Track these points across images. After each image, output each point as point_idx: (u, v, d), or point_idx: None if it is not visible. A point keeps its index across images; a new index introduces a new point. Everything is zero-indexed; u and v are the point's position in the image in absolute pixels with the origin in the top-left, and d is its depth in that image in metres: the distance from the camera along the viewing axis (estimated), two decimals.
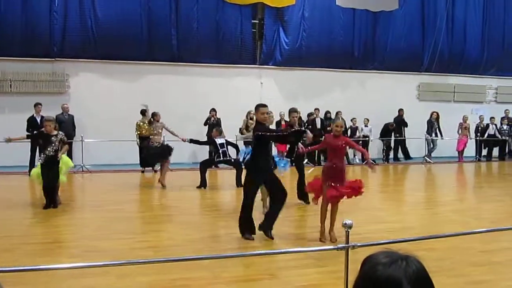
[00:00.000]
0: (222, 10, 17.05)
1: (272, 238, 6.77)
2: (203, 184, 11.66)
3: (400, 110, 18.25)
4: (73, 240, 7.06)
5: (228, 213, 9.09)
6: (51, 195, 8.91)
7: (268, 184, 7.11)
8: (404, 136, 18.32)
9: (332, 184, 6.69)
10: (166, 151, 12.23)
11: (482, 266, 5.72)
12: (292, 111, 9.55)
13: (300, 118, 16.80)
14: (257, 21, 17.92)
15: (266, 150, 7.01)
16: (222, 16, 17.08)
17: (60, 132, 9.18)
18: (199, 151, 16.55)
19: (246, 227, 6.88)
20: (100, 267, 5.01)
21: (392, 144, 18.31)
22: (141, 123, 14.37)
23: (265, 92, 17.36)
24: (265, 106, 6.98)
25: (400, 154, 18.45)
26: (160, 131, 12.38)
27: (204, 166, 12.07)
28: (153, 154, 12.35)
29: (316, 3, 18.05)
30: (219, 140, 12.13)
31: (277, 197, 6.95)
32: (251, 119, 15.71)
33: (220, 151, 11.94)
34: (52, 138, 8.78)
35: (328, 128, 17.15)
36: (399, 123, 18.15)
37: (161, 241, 6.87)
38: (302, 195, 9.34)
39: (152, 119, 12.61)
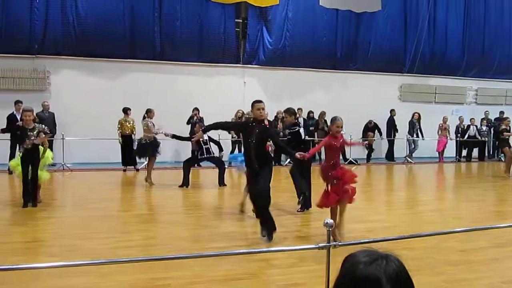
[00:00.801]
0: (206, 9, 17.01)
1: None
2: (185, 183, 11.60)
3: (392, 111, 18.45)
4: (54, 239, 6.97)
5: (210, 212, 9.08)
6: (30, 191, 8.73)
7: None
8: (393, 137, 18.56)
9: (335, 181, 6.63)
10: (157, 146, 12.23)
11: (460, 265, 5.79)
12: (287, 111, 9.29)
13: (283, 117, 16.88)
14: (240, 21, 17.93)
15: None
16: (206, 15, 17.04)
17: (38, 125, 8.90)
18: (182, 149, 16.52)
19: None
20: (80, 266, 4.96)
21: (387, 145, 18.57)
22: (123, 121, 14.28)
23: (248, 92, 17.37)
24: (260, 101, 6.83)
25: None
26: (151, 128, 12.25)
27: (187, 164, 11.99)
28: (145, 146, 12.20)
29: (300, 3, 18.12)
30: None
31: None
32: (239, 118, 15.71)
33: (204, 148, 11.85)
34: (29, 132, 8.57)
35: (311, 128, 17.28)
36: (391, 124, 18.39)
37: (143, 240, 6.83)
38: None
39: (146, 115, 12.49)
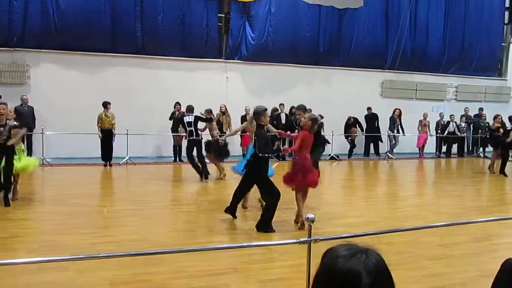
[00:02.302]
0: (188, 3, 16.89)
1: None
2: (204, 175, 11.61)
3: (369, 109, 18.61)
4: (32, 235, 6.89)
5: (191, 208, 9.06)
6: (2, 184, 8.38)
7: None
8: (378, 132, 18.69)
9: (304, 174, 7.21)
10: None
11: (439, 259, 5.87)
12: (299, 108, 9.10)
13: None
14: (223, 15, 17.85)
15: None
16: (188, 9, 16.92)
17: (10, 123, 8.60)
18: (163, 145, 16.46)
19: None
20: (57, 261, 4.91)
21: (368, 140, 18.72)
22: (103, 116, 14.15)
23: (230, 87, 17.35)
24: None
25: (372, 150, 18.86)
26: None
27: (190, 156, 11.73)
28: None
29: None
30: (187, 118, 11.81)
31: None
32: (223, 113, 15.67)
33: (188, 130, 11.69)
34: (1, 128, 8.19)
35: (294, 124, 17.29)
36: (371, 119, 18.51)
37: (123, 236, 6.78)
38: None
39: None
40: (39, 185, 11.93)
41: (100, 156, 14.35)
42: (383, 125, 18.56)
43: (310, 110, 17.29)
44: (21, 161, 8.88)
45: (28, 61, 15.38)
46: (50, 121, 14.97)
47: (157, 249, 5.58)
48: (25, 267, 5.00)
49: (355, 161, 17.65)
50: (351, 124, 18.27)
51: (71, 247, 5.98)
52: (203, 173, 11.76)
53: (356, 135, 18.32)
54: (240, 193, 7.65)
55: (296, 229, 7.15)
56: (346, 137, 18.38)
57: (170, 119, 15.41)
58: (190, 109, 12.01)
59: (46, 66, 15.59)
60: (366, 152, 18.79)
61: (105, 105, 14.21)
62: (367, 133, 18.69)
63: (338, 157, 17.73)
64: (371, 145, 18.91)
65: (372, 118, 18.77)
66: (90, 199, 9.59)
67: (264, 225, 6.98)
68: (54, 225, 7.27)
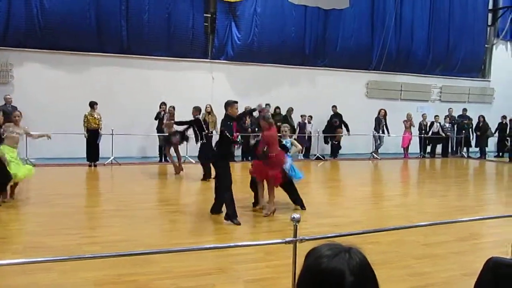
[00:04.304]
0: (174, 2, 16.84)
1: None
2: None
3: (334, 107, 18.46)
4: (17, 236, 6.82)
5: (177, 208, 9.04)
6: None
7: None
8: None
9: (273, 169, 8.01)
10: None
11: (424, 258, 5.93)
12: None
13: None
14: (209, 15, 17.82)
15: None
16: (174, 9, 16.87)
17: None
18: (149, 146, 16.38)
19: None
20: (41, 263, 4.86)
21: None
22: (89, 115, 14.06)
23: (216, 87, 17.32)
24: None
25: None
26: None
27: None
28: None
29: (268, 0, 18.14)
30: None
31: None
32: (209, 113, 15.64)
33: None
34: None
35: (278, 124, 17.32)
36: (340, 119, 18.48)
37: (109, 236, 6.74)
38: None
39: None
40: (24, 185, 11.78)
41: (85, 156, 14.25)
42: (366, 125, 18.57)
43: (292, 110, 17.52)
44: (21, 169, 8.95)
45: (11, 60, 15.21)
46: (33, 121, 14.75)
47: (143, 250, 5.57)
48: (9, 269, 4.95)
49: (340, 161, 17.73)
50: (336, 126, 18.24)
51: (56, 248, 5.94)
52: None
53: (342, 135, 18.38)
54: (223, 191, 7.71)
55: (280, 229, 7.17)
56: (331, 138, 18.36)
57: (155, 119, 15.34)
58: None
59: (30, 65, 15.43)
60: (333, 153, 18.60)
61: (92, 105, 14.13)
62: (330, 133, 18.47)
63: (324, 157, 17.81)
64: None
65: (336, 117, 18.42)
66: (75, 199, 9.51)
67: (217, 208, 7.86)
68: (39, 226, 7.21)
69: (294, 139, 9.95)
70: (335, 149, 18.54)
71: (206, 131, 11.83)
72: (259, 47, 18.03)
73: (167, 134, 12.78)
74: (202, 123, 11.72)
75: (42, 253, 5.66)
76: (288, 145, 8.78)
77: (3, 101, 14.11)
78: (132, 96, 16.12)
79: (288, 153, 8.62)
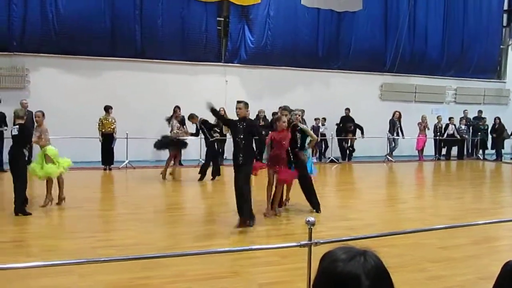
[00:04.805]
0: (187, 6, 16.92)
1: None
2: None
3: (347, 109, 18.28)
4: (32, 239, 6.88)
5: (190, 211, 9.06)
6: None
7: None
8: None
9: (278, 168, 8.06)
10: (181, 144, 13.13)
11: (440, 261, 5.87)
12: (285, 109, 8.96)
13: (264, 116, 16.90)
14: (222, 19, 17.87)
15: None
16: (187, 13, 16.94)
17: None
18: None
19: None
20: (59, 266, 4.90)
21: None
22: (104, 119, 14.17)
23: (229, 90, 17.34)
24: (238, 102, 7.78)
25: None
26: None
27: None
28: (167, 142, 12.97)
29: (281, 2, 18.12)
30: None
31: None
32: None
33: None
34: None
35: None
36: (348, 121, 18.29)
37: (123, 240, 6.77)
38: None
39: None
40: (39, 189, 11.88)
41: (100, 160, 14.35)
42: (380, 128, 18.45)
43: (303, 112, 17.39)
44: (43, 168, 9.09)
45: (27, 66, 15.39)
46: (49, 125, 14.87)
47: (156, 253, 5.58)
48: (26, 272, 4.98)
49: (355, 164, 17.64)
50: (351, 131, 18.10)
51: (71, 251, 5.98)
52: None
53: (355, 138, 18.27)
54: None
55: (295, 232, 7.14)
56: (345, 142, 18.21)
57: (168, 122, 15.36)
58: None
59: (46, 70, 15.59)
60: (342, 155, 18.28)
61: (107, 109, 14.25)
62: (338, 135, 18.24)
63: (338, 160, 17.74)
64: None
65: (348, 120, 18.21)
66: (90, 203, 9.58)
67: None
68: (54, 229, 7.28)
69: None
70: (349, 153, 18.39)
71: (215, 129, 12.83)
72: (272, 50, 18.03)
73: (173, 139, 13.08)
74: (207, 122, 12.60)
75: (58, 256, 5.70)
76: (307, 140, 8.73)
77: (19, 106, 14.25)
78: (146, 100, 16.20)
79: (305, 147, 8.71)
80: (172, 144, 12.88)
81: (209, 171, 12.57)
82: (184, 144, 13.36)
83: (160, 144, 13.08)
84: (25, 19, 15.14)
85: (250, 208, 7.47)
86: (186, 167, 14.71)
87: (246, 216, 7.35)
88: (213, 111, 8.13)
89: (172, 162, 13.06)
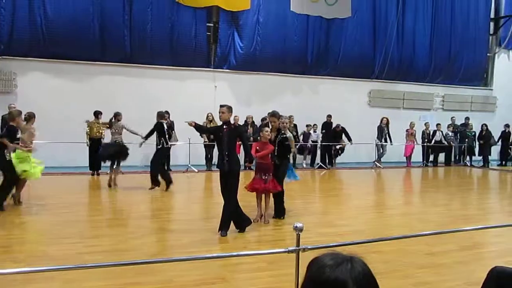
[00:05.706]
0: (176, 12, 16.92)
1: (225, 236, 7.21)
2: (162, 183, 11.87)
3: (329, 116, 18.16)
4: (18, 245, 6.80)
5: (179, 217, 9.02)
6: None
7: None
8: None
9: (263, 177, 8.06)
10: (123, 150, 12.29)
11: (427, 268, 5.90)
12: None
13: (253, 122, 16.92)
14: (212, 25, 17.90)
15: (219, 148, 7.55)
16: (176, 18, 16.95)
17: None
18: (151, 154, 16.33)
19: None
20: (45, 272, 4.86)
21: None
22: (93, 124, 14.09)
23: (219, 96, 17.33)
24: (221, 106, 7.57)
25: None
26: (120, 130, 12.40)
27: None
28: (110, 151, 12.27)
29: (271, 9, 18.20)
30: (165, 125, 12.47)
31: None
32: (210, 122, 15.66)
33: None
34: None
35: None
36: (329, 127, 18.19)
37: (111, 245, 6.72)
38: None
39: (113, 118, 12.47)
40: (26, 194, 11.79)
41: (88, 165, 14.26)
42: (371, 134, 18.55)
43: (291, 117, 17.45)
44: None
45: (15, 69, 15.29)
46: (37, 129, 14.81)
47: (145, 259, 5.55)
48: (11, 278, 4.93)
49: (343, 170, 17.69)
50: (339, 131, 18.15)
51: (58, 257, 5.93)
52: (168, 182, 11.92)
53: (345, 144, 18.32)
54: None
55: (282, 238, 7.15)
56: (335, 145, 18.23)
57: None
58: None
59: (34, 74, 15.50)
60: (323, 162, 18.04)
61: (97, 114, 14.15)
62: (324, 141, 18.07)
63: (326, 166, 17.78)
64: (326, 155, 18.21)
65: (330, 126, 18.16)
66: (77, 208, 9.51)
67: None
68: (41, 234, 7.21)
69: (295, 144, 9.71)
70: (336, 155, 18.35)
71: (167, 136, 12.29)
72: (261, 56, 18.09)
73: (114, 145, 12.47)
74: (165, 128, 12.16)
75: (44, 262, 5.65)
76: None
77: (7, 110, 14.13)
78: (135, 105, 16.12)
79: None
80: (117, 151, 12.27)
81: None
82: (127, 148, 12.54)
83: (106, 154, 12.41)
84: (13, 23, 15.06)
85: (236, 219, 7.48)
86: (174, 173, 14.63)
87: (225, 229, 7.27)
88: (197, 128, 8.09)
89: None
